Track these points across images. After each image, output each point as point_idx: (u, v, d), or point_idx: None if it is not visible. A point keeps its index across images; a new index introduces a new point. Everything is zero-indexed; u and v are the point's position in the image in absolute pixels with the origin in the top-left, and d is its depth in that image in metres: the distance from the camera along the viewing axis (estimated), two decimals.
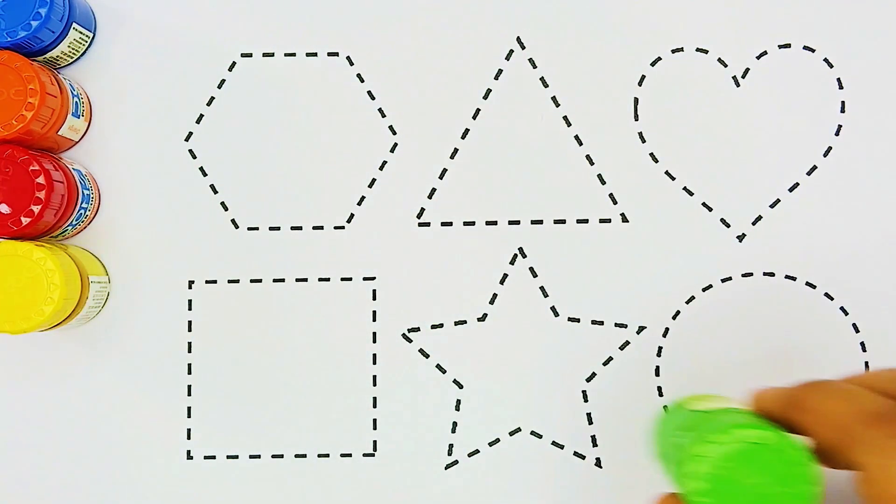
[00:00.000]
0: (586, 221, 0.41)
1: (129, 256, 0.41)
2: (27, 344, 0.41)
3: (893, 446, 0.25)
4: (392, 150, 0.42)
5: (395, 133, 0.42)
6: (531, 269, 0.41)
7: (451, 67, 0.42)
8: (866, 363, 0.41)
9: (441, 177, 0.42)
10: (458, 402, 0.41)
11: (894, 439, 0.25)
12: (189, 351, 0.41)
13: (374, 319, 0.41)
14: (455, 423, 0.41)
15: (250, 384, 0.41)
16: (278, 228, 0.41)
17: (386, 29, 0.42)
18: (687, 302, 0.41)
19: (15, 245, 0.36)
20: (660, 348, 0.41)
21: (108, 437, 0.40)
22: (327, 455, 0.41)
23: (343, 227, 0.41)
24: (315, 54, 0.42)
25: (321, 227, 0.41)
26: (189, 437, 0.41)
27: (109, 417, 0.40)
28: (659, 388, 0.41)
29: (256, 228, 0.41)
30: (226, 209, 0.41)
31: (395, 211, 0.41)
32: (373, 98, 0.42)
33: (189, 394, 0.41)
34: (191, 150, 0.41)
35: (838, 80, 0.41)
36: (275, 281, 0.41)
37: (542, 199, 0.41)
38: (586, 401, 0.41)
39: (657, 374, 0.41)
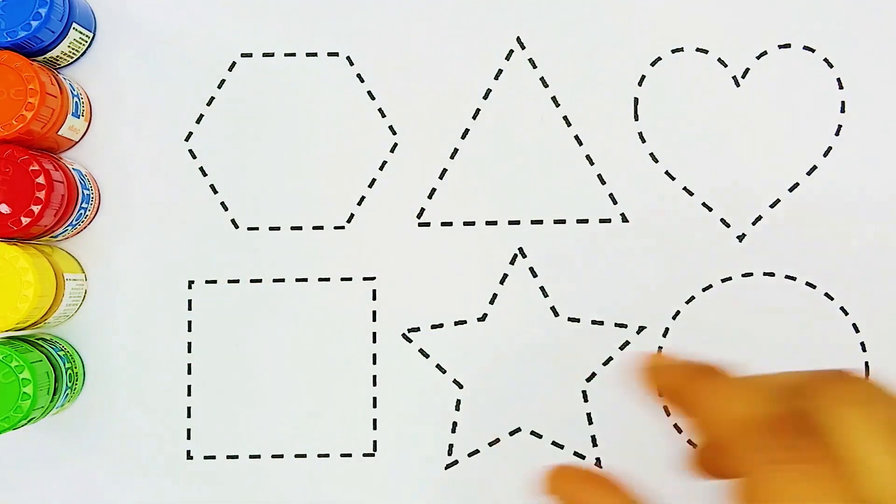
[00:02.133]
0: (586, 221, 0.41)
1: (129, 256, 0.41)
2: None
3: (766, 458, 0.23)
4: (392, 150, 0.42)
5: (395, 133, 0.42)
6: (531, 269, 0.41)
7: (451, 67, 0.42)
8: (866, 363, 0.41)
9: (441, 177, 0.42)
10: (458, 402, 0.41)
11: (771, 452, 0.23)
12: (189, 351, 0.41)
13: (374, 319, 0.41)
14: (455, 423, 0.41)
15: (250, 384, 0.41)
16: (278, 228, 0.41)
17: (386, 29, 0.42)
18: (687, 302, 0.41)
19: None
20: (660, 348, 0.41)
21: (108, 436, 0.40)
22: (327, 455, 0.41)
23: (343, 227, 0.41)
24: (315, 54, 0.42)
25: (321, 227, 0.41)
26: (189, 437, 0.41)
27: (109, 417, 0.40)
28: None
29: (256, 228, 0.41)
30: (226, 209, 0.41)
31: (395, 211, 0.41)
32: (373, 98, 0.42)
33: (189, 394, 0.41)
34: (191, 150, 0.41)
35: (838, 80, 0.41)
36: (275, 281, 0.41)
37: (542, 199, 0.41)
38: (586, 401, 0.41)
39: None
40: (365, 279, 0.41)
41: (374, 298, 0.41)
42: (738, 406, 0.26)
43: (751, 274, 0.41)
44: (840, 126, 0.41)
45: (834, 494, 0.22)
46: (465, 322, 0.41)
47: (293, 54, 0.42)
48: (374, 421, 0.41)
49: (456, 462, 0.41)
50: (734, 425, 0.25)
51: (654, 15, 0.42)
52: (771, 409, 0.25)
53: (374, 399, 0.41)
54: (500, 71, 0.42)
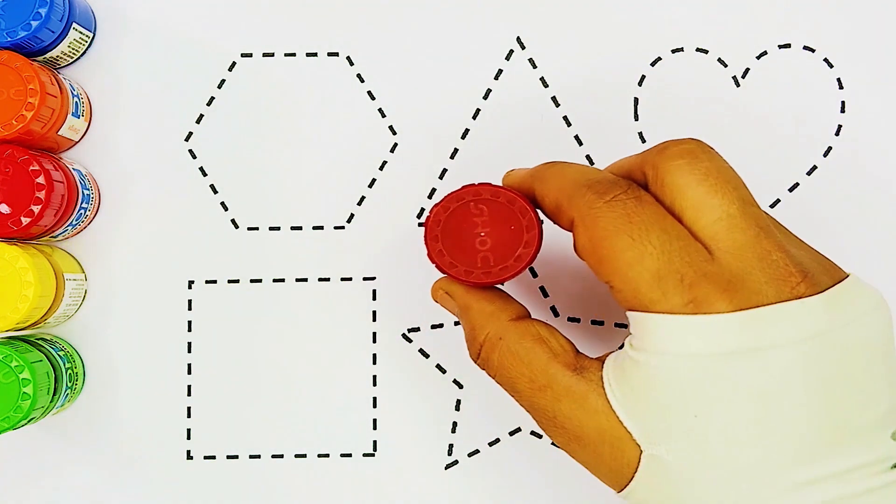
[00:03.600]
0: None
1: (129, 256, 0.41)
2: None
3: (597, 200, 0.28)
4: (392, 150, 0.42)
5: (395, 133, 0.42)
6: (531, 268, 0.41)
7: (451, 67, 0.42)
8: None
9: (441, 177, 0.42)
10: (458, 402, 0.41)
11: (599, 195, 0.28)
12: (189, 351, 0.41)
13: (374, 319, 0.41)
14: (455, 423, 0.41)
15: (250, 384, 0.41)
16: (278, 228, 0.41)
17: (386, 29, 0.42)
18: None
19: None
20: None
21: (108, 436, 0.40)
22: (327, 455, 0.41)
23: (343, 227, 0.41)
24: (315, 54, 0.42)
25: (321, 227, 0.41)
26: (189, 437, 0.41)
27: (109, 417, 0.40)
28: None
29: (256, 228, 0.41)
30: (226, 209, 0.41)
31: (395, 211, 0.41)
32: (373, 98, 0.42)
33: (189, 394, 0.41)
34: (191, 150, 0.41)
35: (838, 80, 0.41)
36: (275, 281, 0.41)
37: None
38: None
39: None
40: (365, 279, 0.41)
41: (374, 298, 0.41)
42: (574, 173, 0.30)
43: None
44: (840, 126, 0.41)
45: (659, 221, 0.27)
46: None
47: (293, 54, 0.42)
48: (374, 421, 0.41)
49: (456, 462, 0.41)
50: (570, 187, 0.29)
51: (654, 15, 0.42)
52: (598, 175, 0.29)
53: (374, 399, 0.41)
54: (500, 71, 0.42)
